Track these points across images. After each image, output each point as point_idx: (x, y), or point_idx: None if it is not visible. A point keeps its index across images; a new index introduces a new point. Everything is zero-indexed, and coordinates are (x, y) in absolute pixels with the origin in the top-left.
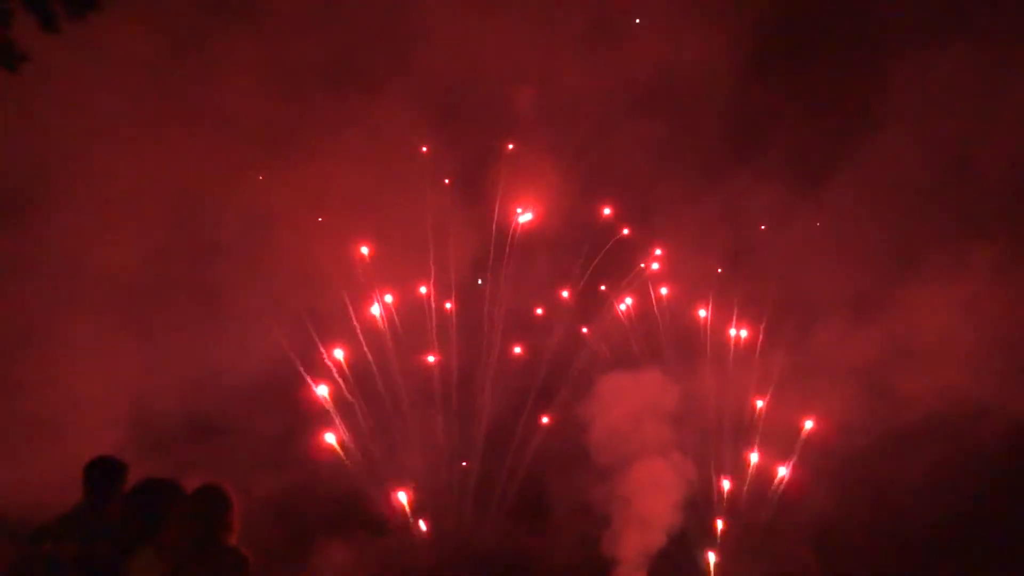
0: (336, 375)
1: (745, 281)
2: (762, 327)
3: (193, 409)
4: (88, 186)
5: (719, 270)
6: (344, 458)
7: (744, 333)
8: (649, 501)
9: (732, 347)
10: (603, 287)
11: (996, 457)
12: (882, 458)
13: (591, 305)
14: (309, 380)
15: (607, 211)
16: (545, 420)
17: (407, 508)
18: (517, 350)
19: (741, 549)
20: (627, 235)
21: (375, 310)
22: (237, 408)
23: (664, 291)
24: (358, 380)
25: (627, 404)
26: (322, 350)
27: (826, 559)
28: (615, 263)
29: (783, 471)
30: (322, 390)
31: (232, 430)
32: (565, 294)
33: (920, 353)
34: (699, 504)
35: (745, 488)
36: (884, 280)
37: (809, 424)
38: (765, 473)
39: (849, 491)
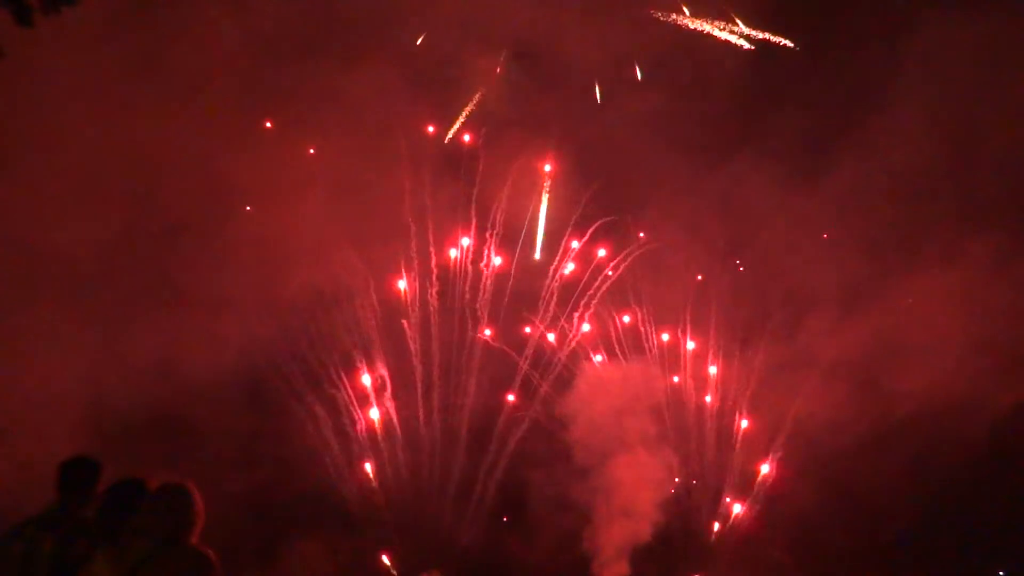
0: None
1: (733, 273)
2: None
3: (157, 405)
4: (36, 161)
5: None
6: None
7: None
8: (633, 492)
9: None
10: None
11: (977, 455)
12: (864, 456)
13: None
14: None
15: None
16: (511, 397)
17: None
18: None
19: (719, 551)
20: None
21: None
22: (204, 403)
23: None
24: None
25: (610, 397)
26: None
27: (804, 560)
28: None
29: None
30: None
31: (200, 426)
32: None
33: (908, 348)
34: (681, 500)
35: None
36: (876, 273)
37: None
38: (748, 472)
39: (830, 491)
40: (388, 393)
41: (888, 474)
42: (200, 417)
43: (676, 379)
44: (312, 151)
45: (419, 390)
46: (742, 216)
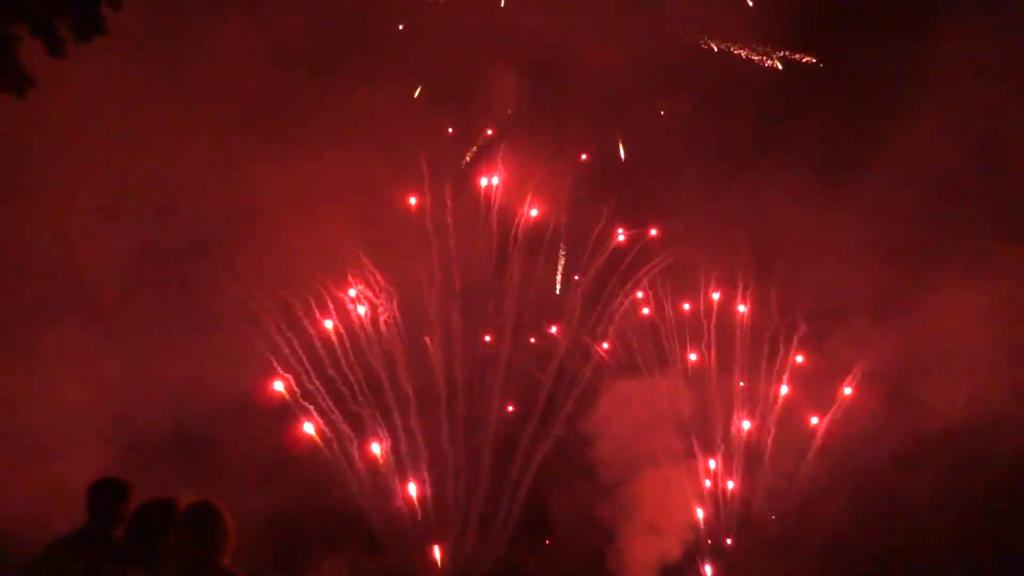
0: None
1: (760, 282)
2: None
3: (180, 422)
4: (62, 179)
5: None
6: (322, 446)
7: (744, 309)
8: (661, 508)
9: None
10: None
11: (1014, 469)
12: (896, 470)
13: (597, 307)
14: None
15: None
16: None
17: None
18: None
19: (748, 568)
20: (633, 233)
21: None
22: (228, 420)
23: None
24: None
25: (636, 412)
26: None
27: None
28: (626, 260)
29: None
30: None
31: (223, 443)
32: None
33: (939, 360)
34: (708, 516)
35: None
36: (907, 281)
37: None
38: (777, 484)
39: (859, 507)
40: (412, 411)
41: (920, 490)
42: (223, 436)
43: (693, 356)
44: (332, 167)
45: (443, 408)
46: (768, 226)
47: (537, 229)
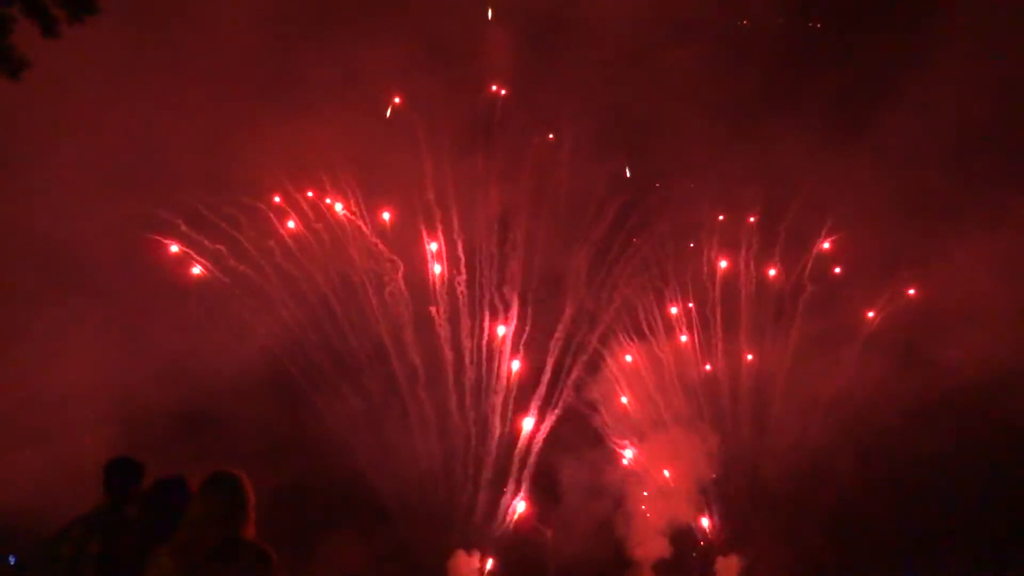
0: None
1: (769, 240)
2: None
3: (182, 400)
4: (52, 150)
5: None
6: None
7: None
8: (673, 472)
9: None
10: (635, 240)
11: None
12: (907, 428)
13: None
14: None
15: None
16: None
17: None
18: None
19: (758, 533)
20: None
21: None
22: (232, 396)
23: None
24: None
25: (643, 378)
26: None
27: (842, 542)
28: (634, 220)
29: None
30: None
31: (228, 420)
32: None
33: (952, 317)
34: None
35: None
36: (920, 236)
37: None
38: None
39: (869, 469)
40: (420, 383)
41: (930, 452)
42: (228, 411)
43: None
44: (331, 133)
45: (450, 378)
46: (777, 180)
47: (539, 194)
